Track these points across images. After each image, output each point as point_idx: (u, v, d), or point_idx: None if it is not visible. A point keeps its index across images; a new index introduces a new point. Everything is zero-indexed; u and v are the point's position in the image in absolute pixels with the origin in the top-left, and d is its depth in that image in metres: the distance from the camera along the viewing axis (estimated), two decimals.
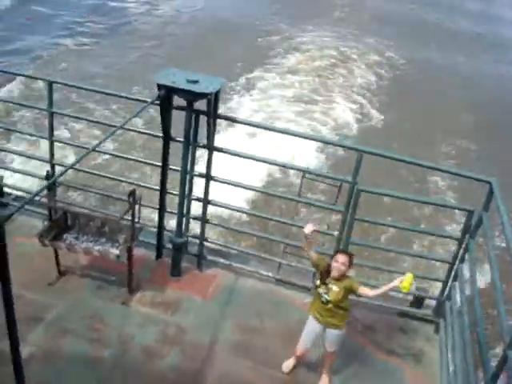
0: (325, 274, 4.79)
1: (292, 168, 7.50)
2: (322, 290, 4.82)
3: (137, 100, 6.14)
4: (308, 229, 4.73)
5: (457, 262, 5.79)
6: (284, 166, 7.60)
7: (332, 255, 4.88)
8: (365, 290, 4.78)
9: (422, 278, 8.71)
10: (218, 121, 5.72)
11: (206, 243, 6.54)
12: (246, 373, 5.23)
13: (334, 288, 4.76)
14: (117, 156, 8.16)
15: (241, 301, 6.13)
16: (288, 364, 5.37)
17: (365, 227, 9.89)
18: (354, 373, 5.43)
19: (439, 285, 6.17)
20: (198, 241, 6.48)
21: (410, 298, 6.51)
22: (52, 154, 6.61)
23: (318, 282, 4.84)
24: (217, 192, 6.47)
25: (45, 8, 23.33)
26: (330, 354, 5.18)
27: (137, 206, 5.52)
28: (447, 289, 5.99)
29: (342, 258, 4.71)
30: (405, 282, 4.61)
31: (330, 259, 4.82)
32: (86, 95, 15.29)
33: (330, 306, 4.83)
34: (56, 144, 6.71)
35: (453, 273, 5.87)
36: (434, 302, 6.29)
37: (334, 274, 4.72)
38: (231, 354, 5.42)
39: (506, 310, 4.06)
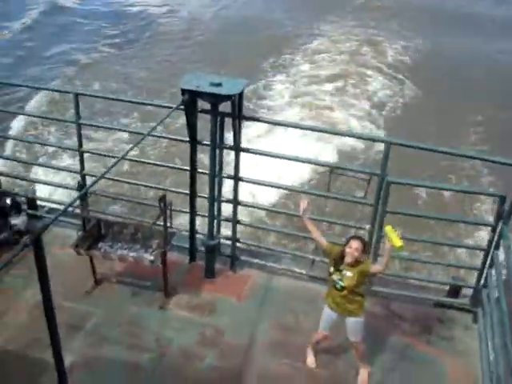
0: (339, 260, 4.77)
1: (320, 164, 7.47)
2: (336, 277, 4.79)
3: (162, 106, 6.21)
4: (302, 206, 4.78)
5: (491, 248, 5.71)
6: (312, 163, 7.58)
7: (345, 243, 4.81)
8: (375, 267, 4.76)
9: (457, 268, 8.69)
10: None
11: (238, 244, 6.59)
12: (285, 371, 5.25)
13: (348, 273, 4.73)
14: (145, 163, 8.24)
15: (275, 299, 6.15)
16: (310, 359, 5.39)
17: (395, 220, 9.88)
18: (394, 366, 5.41)
19: (475, 274, 6.09)
20: (230, 242, 6.53)
21: (447, 288, 6.46)
22: (82, 165, 6.72)
23: (332, 269, 4.81)
24: (246, 193, 6.52)
25: (72, 17, 23.71)
26: (356, 345, 5.16)
27: (168, 211, 5.59)
28: (483, 277, 5.92)
29: (355, 244, 4.67)
30: (392, 240, 4.47)
31: (343, 246, 4.79)
32: (111, 105, 15.51)
33: (345, 292, 4.80)
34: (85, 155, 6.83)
35: (488, 260, 5.80)
36: (470, 291, 6.22)
37: (348, 259, 4.69)
38: (268, 352, 5.45)
39: None
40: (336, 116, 16.76)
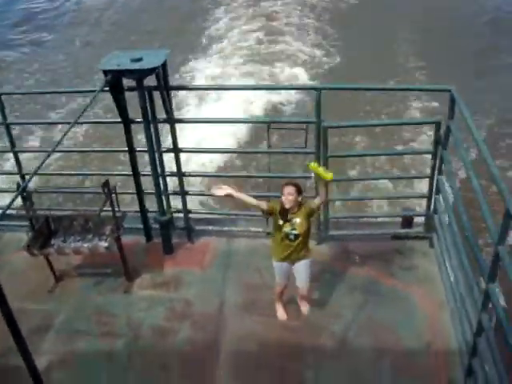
0: (284, 213, 4.80)
1: (256, 122, 7.48)
2: (287, 229, 4.82)
3: (86, 91, 6.07)
4: (219, 192, 4.78)
5: (435, 175, 5.88)
6: (247, 122, 7.60)
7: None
8: (316, 200, 4.81)
9: (406, 198, 8.93)
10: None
11: (191, 215, 6.58)
12: (259, 328, 5.34)
13: (298, 220, 4.78)
14: (83, 151, 8.09)
15: (237, 261, 6.21)
16: (280, 312, 5.49)
17: (340, 166, 10.02)
18: (361, 303, 5.57)
19: (425, 202, 6.27)
20: (182, 214, 6.52)
21: (400, 219, 6.65)
22: (19, 165, 6.54)
23: (281, 222, 4.81)
24: (190, 164, 6.49)
25: None
26: (304, 293, 5.29)
27: (114, 196, 5.51)
28: (432, 203, 6.10)
29: (287, 189, 4.69)
30: (320, 174, 4.55)
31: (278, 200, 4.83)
32: (35, 100, 15.00)
33: (299, 239, 4.87)
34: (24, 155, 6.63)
35: (434, 187, 5.98)
36: (423, 220, 6.42)
37: (287, 206, 4.71)
38: (240, 314, 5.52)
39: (488, 209, 4.16)
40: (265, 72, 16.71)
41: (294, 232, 4.83)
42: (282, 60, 17.30)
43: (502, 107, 13.64)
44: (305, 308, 5.49)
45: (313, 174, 5.54)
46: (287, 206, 4.73)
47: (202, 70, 16.89)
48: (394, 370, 4.84)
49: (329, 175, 4.54)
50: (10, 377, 4.85)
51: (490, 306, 3.95)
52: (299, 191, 4.74)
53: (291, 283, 5.29)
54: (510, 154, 11.87)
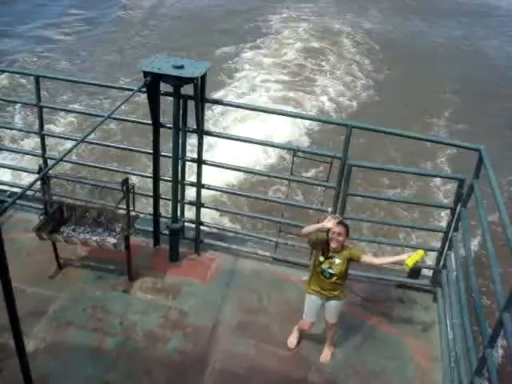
0: (325, 249, 4.83)
1: (283, 147, 7.52)
2: (325, 266, 4.86)
3: (124, 89, 6.15)
4: (331, 223, 4.72)
5: (451, 231, 5.85)
6: (275, 146, 7.64)
7: (327, 230, 4.86)
8: (369, 258, 4.85)
9: (417, 249, 8.87)
10: (207, 108, 5.74)
11: (202, 227, 6.60)
12: (250, 352, 5.31)
13: (337, 261, 4.82)
14: (108, 146, 8.15)
15: (240, 282, 6.20)
16: (292, 340, 5.46)
17: (358, 204, 10.00)
18: (356, 345, 5.52)
19: (435, 256, 6.24)
20: (194, 225, 6.53)
21: (407, 270, 6.60)
22: (44, 149, 6.62)
23: (322, 259, 4.85)
24: (210, 176, 6.52)
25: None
26: (333, 326, 5.27)
27: (131, 195, 5.56)
28: (443, 258, 6.07)
29: (338, 229, 4.71)
30: (412, 258, 4.69)
31: (325, 234, 4.84)
32: (73, 89, 15.26)
33: (334, 279, 4.89)
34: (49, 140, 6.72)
35: (447, 242, 5.95)
36: (430, 272, 6.37)
37: (334, 245, 4.74)
38: (233, 334, 5.50)
39: (500, 275, 4.13)
40: (301, 101, 16.83)
41: (331, 271, 4.86)
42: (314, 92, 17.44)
43: None
44: (325, 356, 5.38)
45: (329, 209, 5.58)
46: (334, 245, 4.76)
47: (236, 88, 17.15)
48: None
49: (409, 265, 4.75)
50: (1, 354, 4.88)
51: (485, 370, 3.90)
52: (348, 233, 4.77)
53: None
54: None
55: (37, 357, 4.83)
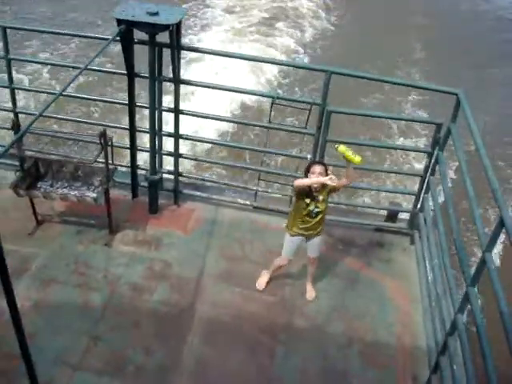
0: (309, 191, 4.87)
1: (261, 95, 7.43)
2: (312, 207, 4.91)
3: (98, 38, 5.96)
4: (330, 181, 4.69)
5: (428, 174, 5.93)
6: (253, 94, 7.54)
7: (305, 171, 4.89)
8: (341, 182, 4.83)
9: (394, 193, 9.00)
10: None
11: (181, 178, 6.55)
12: (235, 299, 5.38)
13: (321, 197, 4.87)
14: (83, 98, 7.94)
15: (221, 231, 6.23)
16: (261, 281, 5.56)
17: (336, 154, 10.02)
18: (338, 290, 5.64)
19: (412, 200, 6.34)
20: (172, 176, 6.49)
21: (385, 213, 6.71)
22: (14, 103, 6.44)
23: (308, 201, 4.89)
24: (188, 129, 6.44)
25: None
26: (314, 261, 5.40)
27: (109, 148, 5.46)
28: (420, 201, 6.17)
29: (318, 169, 4.75)
30: (349, 157, 4.61)
31: (304, 175, 4.88)
32: (42, 40, 14.72)
33: (319, 217, 4.96)
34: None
35: (424, 185, 6.03)
36: (407, 216, 6.49)
37: (316, 185, 4.79)
38: (218, 282, 5.55)
39: (480, 215, 4.22)
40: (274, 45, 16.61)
41: (317, 210, 4.91)
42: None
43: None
44: (310, 294, 5.52)
45: (308, 156, 5.58)
46: (316, 185, 4.78)
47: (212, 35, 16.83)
48: (361, 358, 4.93)
49: (357, 159, 4.59)
50: None
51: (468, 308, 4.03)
52: (327, 172, 4.78)
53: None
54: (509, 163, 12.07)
55: (23, 315, 4.79)
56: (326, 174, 4.75)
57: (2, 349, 4.48)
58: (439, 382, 4.41)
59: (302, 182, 4.83)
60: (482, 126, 12.51)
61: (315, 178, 4.72)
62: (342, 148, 4.65)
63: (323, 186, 4.81)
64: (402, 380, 4.78)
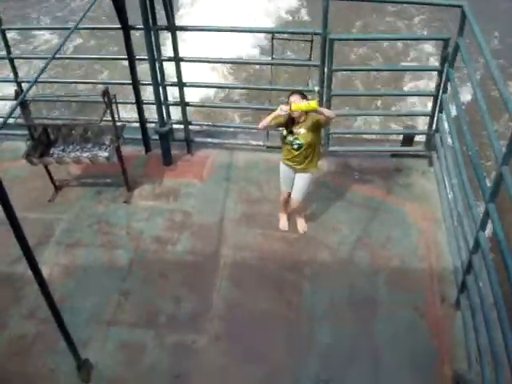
0: (290, 124, 4.82)
1: (260, 31, 7.25)
2: (291, 138, 4.85)
3: None
4: (285, 109, 4.63)
5: (440, 93, 5.79)
6: (252, 31, 7.39)
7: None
8: (326, 113, 4.66)
9: (409, 116, 8.84)
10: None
11: (191, 127, 6.51)
12: (257, 240, 5.43)
13: (302, 130, 4.79)
14: (81, 59, 7.88)
15: (237, 175, 6.23)
16: (283, 222, 5.59)
17: (343, 79, 9.83)
18: (359, 218, 5.65)
19: (427, 121, 6.21)
20: (182, 126, 6.45)
21: (400, 138, 6.61)
22: (15, 72, 6.39)
23: (285, 132, 4.86)
24: (191, 74, 6.34)
25: None
26: (295, 204, 5.31)
27: (114, 105, 5.42)
28: (434, 122, 6.05)
29: (293, 98, 4.68)
30: (306, 108, 4.54)
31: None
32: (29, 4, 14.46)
33: (302, 150, 4.88)
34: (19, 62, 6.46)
35: (437, 105, 5.90)
36: (424, 138, 6.38)
37: (295, 115, 4.72)
38: (239, 225, 5.60)
39: (494, 130, 4.12)
40: None
41: (297, 142, 4.84)
42: None
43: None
44: (300, 226, 5.55)
45: (316, 88, 5.47)
46: (295, 115, 4.71)
47: None
48: (388, 284, 4.97)
49: (312, 104, 4.50)
50: (17, 283, 4.99)
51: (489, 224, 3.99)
52: (305, 98, 4.69)
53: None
54: None
55: (53, 280, 4.92)
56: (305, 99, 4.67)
57: (40, 314, 4.64)
58: (467, 301, 4.44)
59: (262, 123, 4.84)
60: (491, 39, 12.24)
61: (271, 115, 4.72)
62: (294, 107, 4.56)
63: (306, 116, 4.73)
64: (432, 302, 4.81)
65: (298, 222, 5.55)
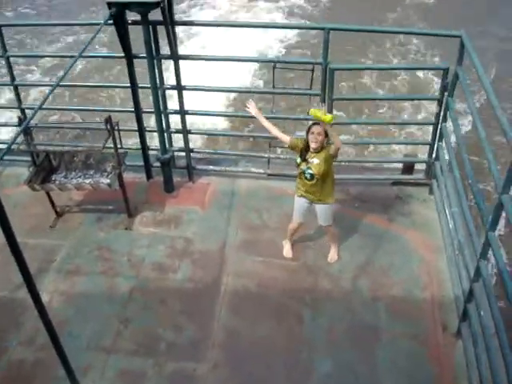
0: (305, 151, 4.84)
1: (262, 61, 7.32)
2: (304, 167, 4.87)
3: (90, 24, 5.92)
4: (252, 107, 4.89)
5: (439, 121, 5.84)
6: (253, 61, 7.46)
7: (306, 132, 4.82)
8: (333, 148, 4.70)
9: (409, 145, 8.91)
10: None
11: (192, 154, 6.55)
12: (258, 267, 5.42)
13: (315, 161, 4.80)
14: (85, 86, 7.95)
15: (238, 202, 6.24)
16: (287, 249, 5.58)
17: (344, 108, 9.92)
18: (360, 246, 5.65)
19: (427, 150, 6.25)
20: (184, 153, 6.49)
21: (400, 166, 6.65)
22: (19, 99, 6.46)
23: (299, 160, 4.88)
24: (192, 103, 6.40)
25: None
26: (327, 228, 5.37)
27: (116, 132, 5.47)
28: (434, 150, 6.09)
29: (316, 129, 4.69)
30: (321, 118, 4.52)
31: (306, 136, 4.81)
32: (37, 35, 14.67)
33: (315, 180, 4.90)
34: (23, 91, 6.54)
35: (437, 134, 5.94)
36: (424, 166, 6.42)
37: (313, 146, 4.73)
38: (240, 253, 5.59)
39: (494, 157, 4.15)
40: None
41: (310, 171, 4.85)
42: None
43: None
44: (332, 256, 5.52)
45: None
46: (314, 145, 4.74)
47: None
48: (389, 312, 4.94)
49: (328, 117, 4.50)
50: (17, 309, 4.97)
51: (489, 253, 3.99)
52: (327, 133, 4.72)
53: (307, 223, 5.43)
54: None
55: (53, 306, 4.91)
56: (326, 135, 4.70)
57: (39, 340, 4.61)
58: (468, 329, 4.41)
59: (275, 132, 5.10)
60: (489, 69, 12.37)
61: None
62: (312, 110, 4.57)
63: (322, 147, 4.76)
64: (433, 330, 4.79)
65: (330, 251, 5.54)
